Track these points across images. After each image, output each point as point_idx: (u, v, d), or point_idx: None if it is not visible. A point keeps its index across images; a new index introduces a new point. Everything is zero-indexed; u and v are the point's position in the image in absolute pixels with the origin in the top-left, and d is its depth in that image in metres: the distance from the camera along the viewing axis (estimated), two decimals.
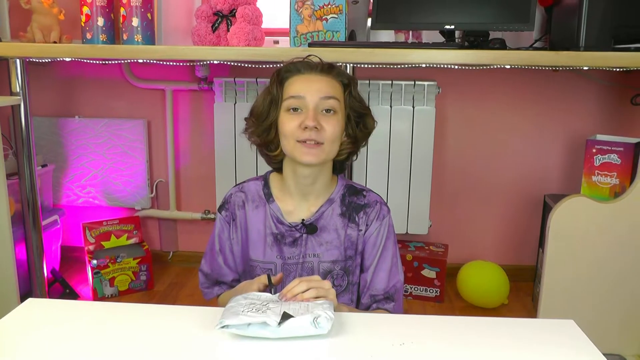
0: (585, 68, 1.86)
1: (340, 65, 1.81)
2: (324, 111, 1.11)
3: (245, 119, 1.21)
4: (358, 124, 1.18)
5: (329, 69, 1.15)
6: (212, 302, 1.30)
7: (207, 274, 1.29)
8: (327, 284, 0.97)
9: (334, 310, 0.90)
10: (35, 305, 0.96)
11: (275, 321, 0.82)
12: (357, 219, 1.21)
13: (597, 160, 1.83)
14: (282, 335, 0.83)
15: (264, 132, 1.17)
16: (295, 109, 1.12)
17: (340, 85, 1.15)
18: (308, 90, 1.11)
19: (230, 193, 1.26)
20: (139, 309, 0.97)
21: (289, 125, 1.12)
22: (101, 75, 2.46)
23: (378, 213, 1.21)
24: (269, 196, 1.22)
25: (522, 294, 2.36)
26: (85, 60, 2.00)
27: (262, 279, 1.05)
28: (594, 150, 1.83)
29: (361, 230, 1.21)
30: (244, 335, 0.83)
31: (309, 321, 0.84)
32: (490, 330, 0.89)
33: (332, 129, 1.11)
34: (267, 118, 1.16)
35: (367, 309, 1.21)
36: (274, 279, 1.04)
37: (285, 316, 0.84)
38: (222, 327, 0.83)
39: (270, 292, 0.99)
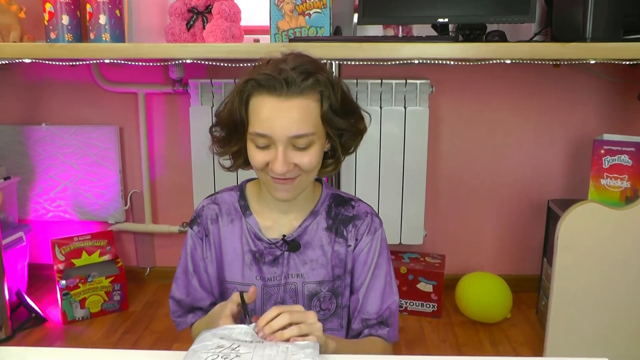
0: (591, 62, 1.73)
1: (325, 63, 1.67)
2: (296, 147, 0.95)
3: (210, 133, 1.06)
4: (341, 137, 1.02)
5: (302, 81, 0.93)
6: (185, 332, 1.15)
7: (179, 300, 1.13)
8: (311, 316, 0.84)
9: (321, 347, 0.77)
10: None
11: None
12: (345, 232, 1.07)
13: (606, 162, 1.74)
14: None
15: (230, 156, 1.05)
16: (262, 147, 0.95)
17: (317, 100, 0.95)
18: (276, 127, 0.92)
19: (201, 205, 1.12)
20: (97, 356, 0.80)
21: (256, 159, 0.97)
22: (69, 79, 2.32)
23: (369, 226, 1.08)
24: (245, 209, 1.08)
25: (525, 307, 2.23)
26: (47, 62, 1.85)
27: (235, 299, 0.90)
28: (603, 151, 1.74)
29: (350, 245, 1.08)
30: None
31: None
32: None
33: (308, 161, 0.96)
34: (231, 145, 1.02)
35: (359, 335, 1.08)
36: (247, 297, 0.90)
37: None
38: None
39: (245, 316, 0.85)
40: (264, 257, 1.06)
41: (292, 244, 1.05)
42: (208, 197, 1.13)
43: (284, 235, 1.05)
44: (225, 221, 1.08)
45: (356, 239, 1.07)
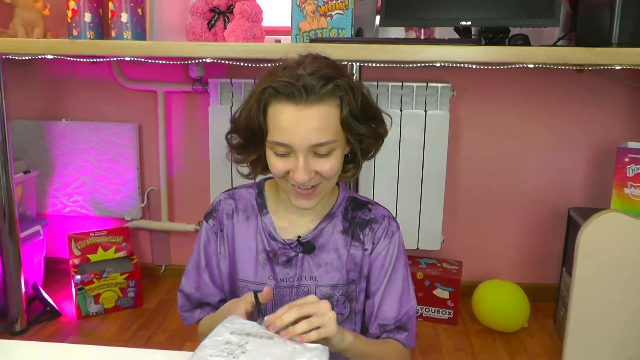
0: (617, 67, 1.69)
1: (346, 65, 1.65)
2: (317, 154, 0.93)
3: (227, 140, 1.04)
4: (362, 142, 0.99)
5: (322, 87, 0.90)
6: (192, 329, 1.13)
7: (188, 294, 1.12)
8: (323, 306, 0.82)
9: (337, 340, 0.79)
10: None
11: None
12: (362, 236, 1.05)
13: (631, 171, 1.70)
14: None
15: (248, 164, 1.03)
16: (282, 154, 0.94)
17: (337, 106, 0.93)
18: (295, 137, 0.90)
19: (218, 199, 1.10)
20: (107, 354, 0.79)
21: (276, 167, 0.95)
22: (90, 76, 2.32)
23: (386, 229, 1.06)
24: (262, 207, 1.07)
25: (543, 317, 2.19)
26: (68, 58, 1.86)
27: (249, 298, 0.88)
28: (627, 160, 1.70)
29: (367, 249, 1.05)
30: None
31: None
32: None
33: (329, 168, 0.94)
34: (249, 153, 1.00)
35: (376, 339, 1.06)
36: (261, 297, 0.88)
37: None
38: None
39: (259, 314, 0.84)
40: (278, 258, 1.04)
41: (307, 246, 1.03)
42: (226, 191, 1.12)
43: (299, 237, 1.04)
44: (241, 218, 1.07)
45: (373, 243, 1.05)
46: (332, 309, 0.96)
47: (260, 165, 1.02)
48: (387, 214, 1.08)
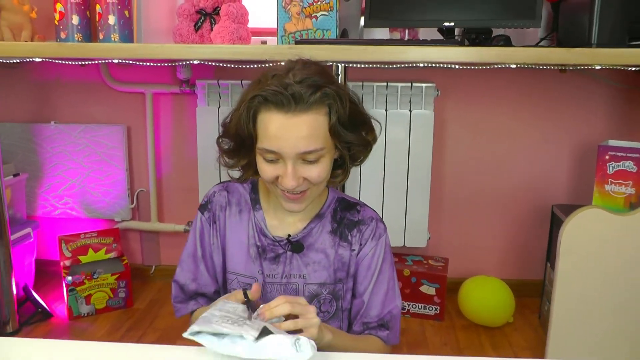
0: (597, 67, 1.72)
1: (331, 66, 1.68)
2: (306, 160, 0.95)
3: (218, 145, 1.05)
4: (350, 149, 1.01)
5: (310, 95, 0.91)
6: (184, 321, 1.13)
7: (183, 285, 1.14)
8: (311, 311, 0.86)
9: (316, 340, 0.82)
10: None
11: (252, 335, 0.72)
12: (349, 237, 1.08)
13: (611, 168, 1.72)
14: (257, 355, 0.73)
15: (240, 168, 1.05)
16: (271, 160, 0.96)
17: (326, 114, 0.94)
18: (284, 144, 0.92)
19: (212, 191, 1.13)
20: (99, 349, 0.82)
21: (265, 173, 0.97)
22: (78, 78, 2.33)
23: (374, 231, 1.08)
24: (255, 202, 1.10)
25: (528, 312, 2.22)
26: (56, 61, 1.87)
27: (238, 296, 0.91)
28: (607, 157, 1.73)
29: (354, 250, 1.08)
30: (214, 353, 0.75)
31: (290, 342, 0.73)
32: None
33: (317, 175, 0.96)
34: (240, 158, 1.02)
35: None
36: (250, 294, 0.91)
37: (265, 332, 0.74)
38: (192, 333, 0.76)
39: (248, 310, 0.88)
40: (266, 254, 1.07)
41: (296, 245, 1.06)
42: (220, 183, 1.14)
43: (289, 235, 1.06)
44: (234, 211, 1.09)
45: (360, 244, 1.08)
46: (320, 308, 0.99)
47: (251, 169, 1.03)
48: (375, 215, 1.10)
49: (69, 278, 2.13)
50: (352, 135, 0.97)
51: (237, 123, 0.96)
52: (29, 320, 2.09)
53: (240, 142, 0.98)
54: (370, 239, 1.08)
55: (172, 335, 2.00)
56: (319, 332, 0.86)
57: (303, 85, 0.91)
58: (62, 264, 2.20)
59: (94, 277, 2.16)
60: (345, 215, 1.09)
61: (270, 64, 1.00)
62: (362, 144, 1.01)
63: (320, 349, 0.89)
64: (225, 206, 1.10)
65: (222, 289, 1.13)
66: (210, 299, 1.13)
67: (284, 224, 1.08)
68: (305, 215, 1.07)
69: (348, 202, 1.11)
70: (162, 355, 0.82)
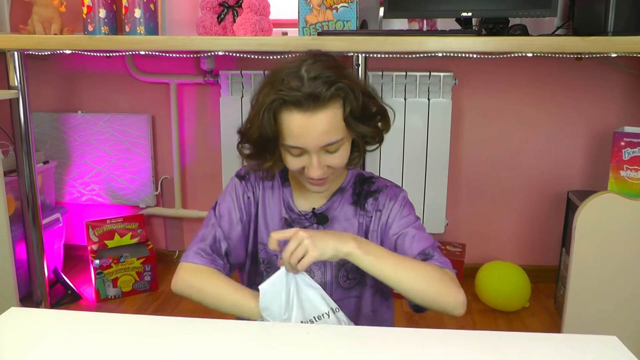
0: (613, 55, 1.74)
1: (352, 56, 1.72)
2: (328, 151, 1.02)
3: (239, 151, 1.10)
4: (364, 138, 1.06)
5: (326, 91, 0.96)
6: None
7: (211, 243, 1.12)
8: (298, 237, 0.93)
9: (361, 256, 0.94)
10: (17, 314, 0.88)
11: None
12: (367, 205, 1.14)
13: (626, 154, 1.74)
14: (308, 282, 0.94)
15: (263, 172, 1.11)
16: (296, 154, 1.02)
17: (340, 105, 1.00)
18: (307, 140, 0.99)
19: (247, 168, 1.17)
20: (127, 320, 0.88)
21: (292, 165, 1.04)
22: (104, 69, 2.40)
23: (388, 195, 1.13)
24: (284, 179, 1.16)
25: (544, 297, 2.26)
26: (84, 53, 1.93)
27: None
28: (623, 143, 1.74)
29: (371, 217, 1.13)
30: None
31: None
32: (524, 347, 0.81)
33: (340, 162, 1.03)
34: (266, 161, 1.06)
35: None
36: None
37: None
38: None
39: None
40: (294, 226, 1.10)
41: (321, 217, 1.12)
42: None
43: (314, 209, 1.13)
44: (267, 185, 1.16)
45: (377, 210, 1.12)
46: (347, 276, 1.09)
47: (274, 169, 1.08)
48: (389, 183, 1.16)
49: (97, 261, 2.20)
50: (364, 127, 1.03)
51: (259, 126, 1.00)
52: (59, 301, 2.17)
53: (263, 144, 1.03)
54: (388, 201, 1.12)
55: (197, 317, 2.06)
56: (358, 248, 0.93)
57: (318, 82, 0.96)
58: (89, 248, 2.27)
59: (121, 260, 2.24)
60: (363, 188, 1.15)
61: (288, 56, 1.03)
62: (373, 135, 1.06)
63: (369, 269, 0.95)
64: (262, 181, 1.16)
65: (248, 258, 1.17)
66: (233, 266, 1.15)
67: (308, 199, 1.14)
68: (328, 191, 1.13)
69: (364, 176, 1.18)
70: (193, 328, 0.89)
